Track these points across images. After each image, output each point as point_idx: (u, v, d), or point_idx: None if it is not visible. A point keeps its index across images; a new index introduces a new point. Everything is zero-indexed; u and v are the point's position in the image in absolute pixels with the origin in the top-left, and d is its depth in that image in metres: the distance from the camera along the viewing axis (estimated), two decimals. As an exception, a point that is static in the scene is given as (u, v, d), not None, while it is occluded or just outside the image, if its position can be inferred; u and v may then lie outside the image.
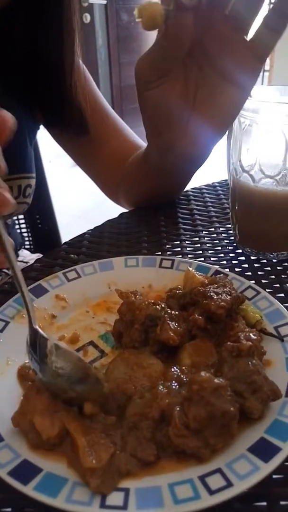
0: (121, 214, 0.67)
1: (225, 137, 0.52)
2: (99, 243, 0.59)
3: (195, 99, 0.49)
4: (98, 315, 0.44)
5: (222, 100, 0.48)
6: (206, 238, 0.59)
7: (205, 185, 0.76)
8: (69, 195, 2.66)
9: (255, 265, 0.53)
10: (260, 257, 0.54)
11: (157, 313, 0.36)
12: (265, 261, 0.53)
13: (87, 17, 3.16)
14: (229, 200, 0.56)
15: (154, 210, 0.67)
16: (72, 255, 0.56)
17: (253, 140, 0.49)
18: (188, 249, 0.57)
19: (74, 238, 0.61)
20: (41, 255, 0.60)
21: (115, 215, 0.67)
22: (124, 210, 0.71)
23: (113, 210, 0.74)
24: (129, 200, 0.71)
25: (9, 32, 0.58)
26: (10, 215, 0.67)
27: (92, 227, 0.63)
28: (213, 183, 0.77)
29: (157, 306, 0.37)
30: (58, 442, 0.30)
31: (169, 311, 0.37)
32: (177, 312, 0.38)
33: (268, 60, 3.96)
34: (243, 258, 0.54)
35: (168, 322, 0.36)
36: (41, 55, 0.59)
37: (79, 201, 2.73)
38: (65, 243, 0.60)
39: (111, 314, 0.44)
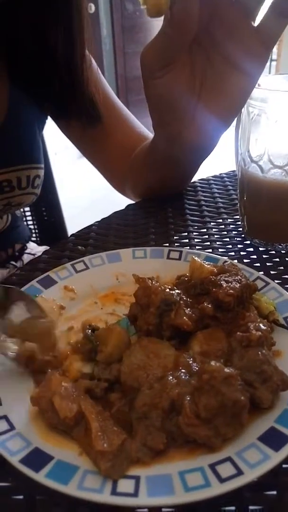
0: (128, 206, 0.67)
1: (233, 127, 0.52)
2: (106, 235, 0.59)
3: (201, 87, 0.49)
4: (107, 306, 0.45)
5: (229, 88, 0.47)
6: (214, 230, 0.59)
7: (212, 176, 0.75)
8: (75, 187, 2.66)
9: (264, 256, 0.52)
10: (269, 248, 0.53)
11: (172, 298, 0.36)
12: (273, 252, 0.53)
13: (91, 7, 3.12)
14: (237, 191, 0.55)
15: (161, 202, 0.66)
16: (79, 247, 0.56)
17: (262, 130, 0.48)
18: (196, 240, 0.57)
19: (82, 230, 0.60)
20: (48, 248, 0.60)
21: (122, 206, 0.67)
22: (131, 201, 0.71)
23: (120, 202, 0.74)
24: (136, 191, 0.71)
25: (16, 25, 0.58)
26: (19, 205, 0.67)
27: (99, 219, 0.63)
28: (221, 174, 0.76)
29: (173, 292, 0.37)
30: (73, 424, 0.30)
31: (184, 298, 0.37)
32: (191, 300, 0.38)
33: (275, 49, 3.91)
34: (251, 249, 0.54)
35: (183, 308, 0.36)
36: (51, 48, 0.58)
37: (85, 193, 2.73)
38: (73, 235, 0.60)
39: (119, 305, 0.44)
